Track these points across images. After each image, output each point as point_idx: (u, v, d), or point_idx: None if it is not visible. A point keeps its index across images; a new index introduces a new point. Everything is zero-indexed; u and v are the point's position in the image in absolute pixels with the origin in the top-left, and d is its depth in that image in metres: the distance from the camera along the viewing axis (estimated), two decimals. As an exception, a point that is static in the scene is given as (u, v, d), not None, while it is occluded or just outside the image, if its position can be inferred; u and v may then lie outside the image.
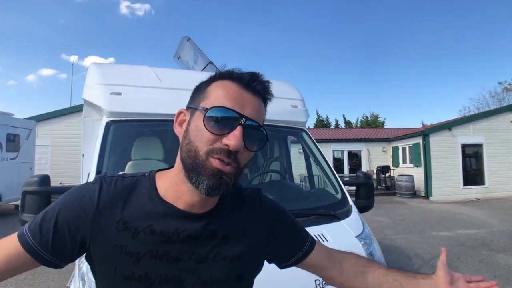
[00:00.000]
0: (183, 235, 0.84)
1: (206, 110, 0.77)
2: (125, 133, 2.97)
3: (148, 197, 0.86)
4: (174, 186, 0.85)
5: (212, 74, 0.86)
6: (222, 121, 0.76)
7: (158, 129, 2.93)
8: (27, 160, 11.80)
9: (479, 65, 55.31)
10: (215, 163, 0.76)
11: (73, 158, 13.77)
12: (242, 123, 0.77)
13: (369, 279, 1.03)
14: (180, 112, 0.87)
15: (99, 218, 0.82)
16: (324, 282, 2.04)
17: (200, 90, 0.85)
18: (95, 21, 63.92)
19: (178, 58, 5.73)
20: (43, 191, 2.38)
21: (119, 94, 2.72)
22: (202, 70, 4.91)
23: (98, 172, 2.42)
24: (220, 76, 0.84)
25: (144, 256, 0.82)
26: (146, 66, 3.17)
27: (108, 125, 2.67)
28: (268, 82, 0.85)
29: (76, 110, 15.39)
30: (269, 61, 60.12)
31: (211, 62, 4.82)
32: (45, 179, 2.42)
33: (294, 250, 1.03)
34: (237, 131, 0.76)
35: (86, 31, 62.55)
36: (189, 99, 0.88)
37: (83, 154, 3.48)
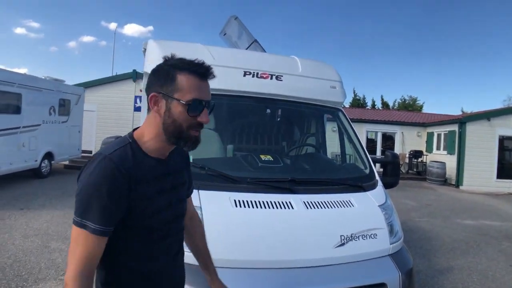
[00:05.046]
0: (165, 173, 1.28)
1: (188, 103, 1.14)
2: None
3: (142, 156, 1.21)
4: (157, 143, 1.22)
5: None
6: (196, 108, 1.16)
7: (210, 102, 3.31)
8: (76, 123, 12.60)
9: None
10: (194, 133, 1.20)
11: (115, 123, 14.84)
12: (206, 106, 1.19)
13: (196, 242, 1.61)
14: (154, 95, 1.18)
15: (129, 181, 1.14)
16: (348, 237, 2.41)
17: (167, 78, 1.16)
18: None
19: (224, 35, 6.09)
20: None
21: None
22: (247, 49, 5.24)
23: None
24: (183, 68, 1.16)
25: (160, 191, 1.25)
26: (200, 44, 3.54)
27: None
28: (210, 68, 1.19)
29: (119, 79, 16.31)
30: (309, 37, 59.65)
31: (255, 41, 5.14)
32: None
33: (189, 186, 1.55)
34: (206, 112, 1.20)
35: (124, -2, 62.90)
36: (154, 81, 1.19)
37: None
